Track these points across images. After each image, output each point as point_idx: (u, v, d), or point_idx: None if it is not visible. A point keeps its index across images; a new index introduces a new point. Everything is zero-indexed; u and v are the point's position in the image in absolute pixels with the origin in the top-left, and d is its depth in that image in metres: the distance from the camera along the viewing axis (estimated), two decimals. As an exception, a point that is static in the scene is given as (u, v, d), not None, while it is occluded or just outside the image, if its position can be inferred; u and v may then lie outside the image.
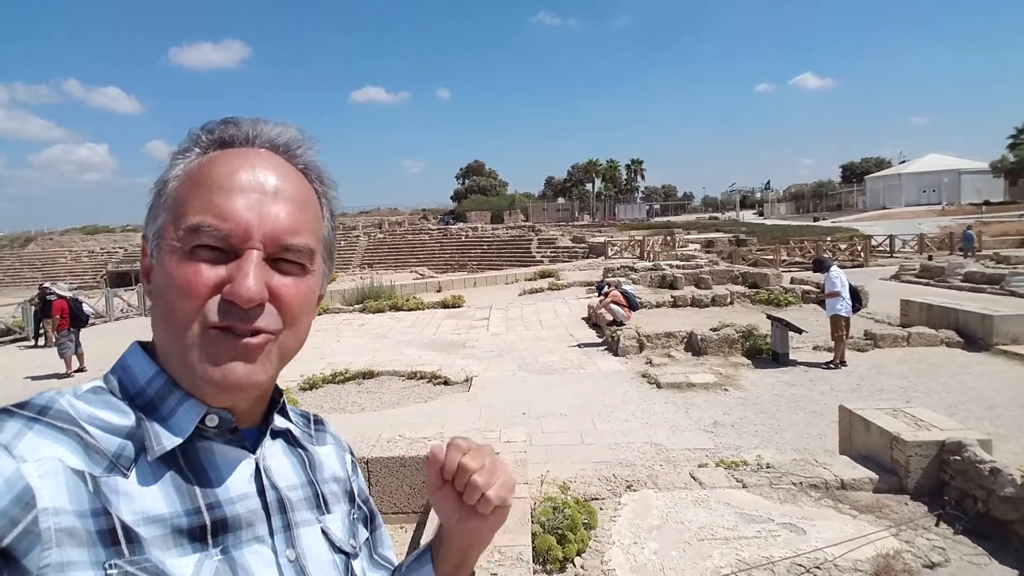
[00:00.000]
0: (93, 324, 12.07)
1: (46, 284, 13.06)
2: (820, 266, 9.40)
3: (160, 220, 0.63)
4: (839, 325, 8.59)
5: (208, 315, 0.59)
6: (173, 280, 0.60)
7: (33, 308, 14.10)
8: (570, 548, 3.63)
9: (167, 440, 0.59)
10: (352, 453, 0.86)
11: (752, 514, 4.04)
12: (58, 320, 10.47)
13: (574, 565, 3.61)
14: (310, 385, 8.85)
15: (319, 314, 15.81)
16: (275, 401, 0.72)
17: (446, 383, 8.82)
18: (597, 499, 4.39)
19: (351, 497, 0.79)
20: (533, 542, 3.40)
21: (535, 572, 3.37)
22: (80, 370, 10.55)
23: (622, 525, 4.01)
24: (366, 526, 0.82)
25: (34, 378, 10.41)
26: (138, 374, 0.63)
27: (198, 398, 0.62)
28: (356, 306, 16.87)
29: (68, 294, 11.22)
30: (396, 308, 16.23)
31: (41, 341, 13.71)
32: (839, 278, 8.77)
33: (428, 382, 8.98)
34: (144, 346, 0.66)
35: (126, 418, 0.60)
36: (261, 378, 0.62)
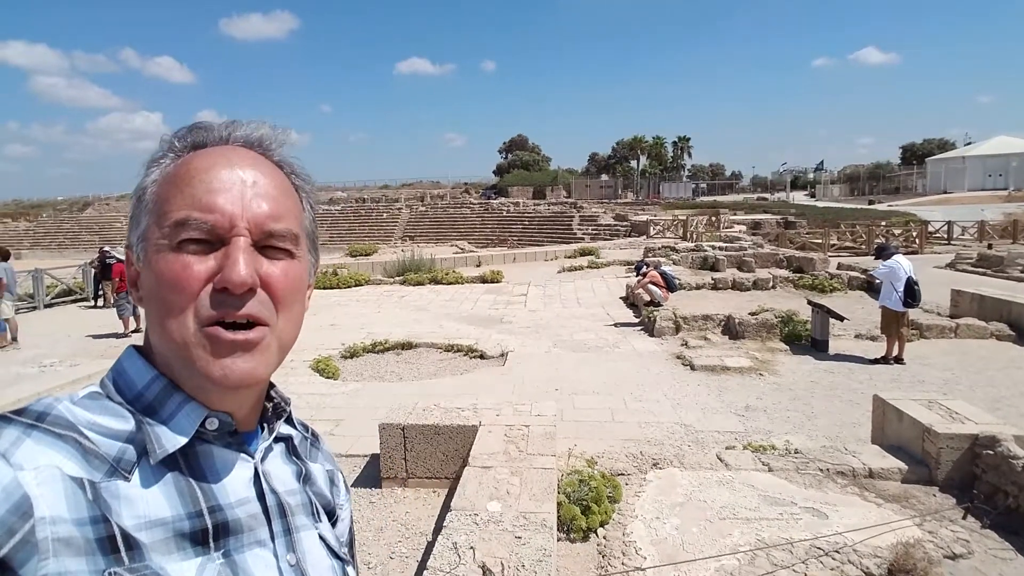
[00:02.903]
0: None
1: (106, 248, 13.78)
2: (881, 252, 8.68)
3: (143, 224, 0.64)
4: (886, 319, 8.21)
5: (201, 309, 0.59)
6: (163, 277, 0.60)
7: (93, 270, 14.91)
8: (593, 519, 3.77)
9: (168, 442, 0.59)
10: (341, 472, 0.86)
11: (776, 497, 4.10)
12: (117, 283, 11.08)
13: (596, 535, 3.75)
14: (351, 354, 9.18)
15: (360, 285, 16.23)
16: (281, 409, 0.73)
17: (482, 357, 9.03)
18: (623, 475, 4.51)
19: (331, 515, 0.79)
20: (558, 511, 3.55)
21: (558, 539, 3.53)
22: (137, 330, 11.12)
23: (646, 500, 4.13)
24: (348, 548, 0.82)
25: (95, 336, 11.06)
26: (136, 378, 0.63)
27: (200, 400, 0.62)
28: (397, 278, 17.22)
29: (127, 258, 11.81)
30: (436, 281, 16.51)
31: (100, 302, 14.51)
32: (892, 268, 8.12)
33: (464, 355, 9.21)
34: (140, 350, 0.66)
35: (125, 422, 0.60)
36: (261, 372, 0.63)
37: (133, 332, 11.03)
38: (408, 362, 8.99)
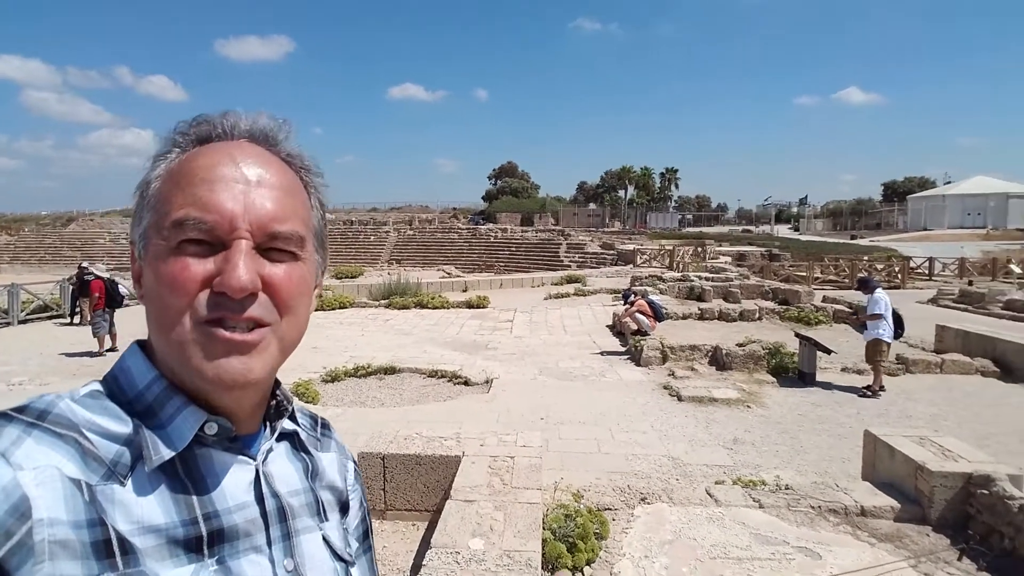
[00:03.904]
0: (128, 305, 12.37)
1: (84, 264, 13.49)
2: (864, 286, 8.88)
3: (145, 221, 0.62)
4: (879, 350, 8.25)
5: (199, 309, 0.57)
6: (162, 278, 0.58)
7: (71, 287, 14.58)
8: (580, 557, 3.61)
9: (165, 450, 0.58)
10: (355, 463, 0.84)
11: (767, 535, 3.98)
12: (95, 300, 10.79)
13: (583, 574, 3.59)
14: (332, 378, 8.97)
15: (344, 307, 16.03)
16: (283, 407, 0.71)
17: (466, 383, 8.86)
18: (610, 509, 4.36)
19: (344, 508, 0.77)
20: (543, 549, 3.40)
21: (543, 579, 3.36)
22: (112, 349, 10.82)
23: (634, 537, 3.98)
24: (359, 542, 0.80)
25: (68, 355, 10.72)
26: (136, 377, 0.62)
27: (200, 399, 0.60)
28: (382, 301, 17.02)
29: (105, 275, 11.54)
30: (421, 306, 16.33)
31: (77, 319, 14.16)
32: (882, 301, 8.36)
33: (448, 381, 9.03)
34: (143, 346, 0.64)
35: (124, 425, 0.58)
36: (259, 372, 0.60)
37: (108, 351, 10.74)
38: (391, 387, 8.79)
